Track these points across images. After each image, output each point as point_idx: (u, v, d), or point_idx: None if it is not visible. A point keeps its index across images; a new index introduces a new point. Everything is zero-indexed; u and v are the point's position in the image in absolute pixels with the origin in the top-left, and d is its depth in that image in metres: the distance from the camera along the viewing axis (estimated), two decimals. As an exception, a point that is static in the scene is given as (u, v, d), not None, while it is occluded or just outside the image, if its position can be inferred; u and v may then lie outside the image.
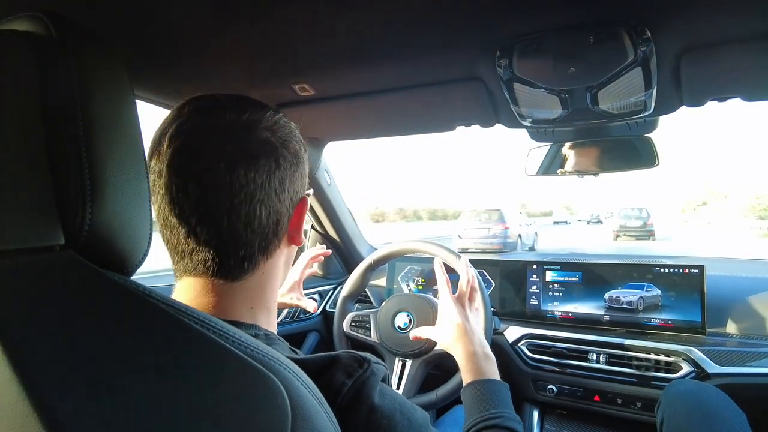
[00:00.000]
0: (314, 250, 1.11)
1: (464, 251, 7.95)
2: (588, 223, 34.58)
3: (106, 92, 0.37)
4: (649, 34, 0.68)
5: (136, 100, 0.42)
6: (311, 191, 0.59)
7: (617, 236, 18.09)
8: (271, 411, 0.33)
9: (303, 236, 0.54)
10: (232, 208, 0.44)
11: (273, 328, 0.52)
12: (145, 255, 0.41)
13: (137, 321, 0.34)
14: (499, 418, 0.67)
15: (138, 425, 0.30)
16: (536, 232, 13.87)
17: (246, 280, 0.48)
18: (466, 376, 0.77)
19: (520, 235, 11.83)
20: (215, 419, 0.32)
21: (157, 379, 0.32)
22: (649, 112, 0.93)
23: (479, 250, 10.59)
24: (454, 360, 1.06)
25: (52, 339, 0.31)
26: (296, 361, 0.43)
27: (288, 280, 1.03)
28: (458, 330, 0.84)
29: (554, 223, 33.56)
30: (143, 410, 0.30)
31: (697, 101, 0.88)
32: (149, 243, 0.41)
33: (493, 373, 0.77)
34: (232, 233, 0.45)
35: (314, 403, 0.37)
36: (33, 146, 0.33)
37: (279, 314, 1.40)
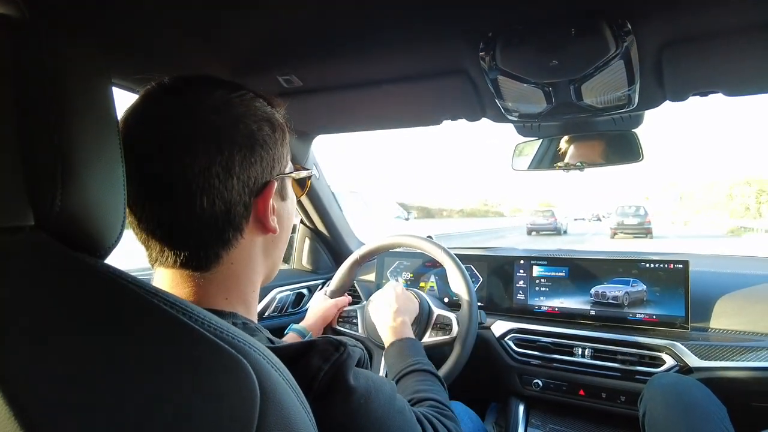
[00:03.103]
0: (341, 299, 1.18)
1: (531, 233, 21.62)
2: (588, 221, 43.56)
3: (80, 74, 0.37)
4: (630, 27, 0.68)
5: (120, 90, 0.42)
6: (302, 173, 0.56)
7: (615, 234, 18.21)
8: (239, 392, 0.33)
9: (273, 222, 0.50)
10: (169, 197, 0.43)
11: (253, 318, 0.51)
12: (119, 238, 0.41)
13: (107, 302, 0.34)
14: (417, 364, 0.80)
15: (103, 404, 0.30)
16: (567, 223, 25.10)
17: (215, 272, 0.47)
18: (387, 342, 0.91)
19: (561, 224, 22.22)
20: (180, 399, 0.31)
21: (124, 359, 0.31)
22: (634, 107, 0.94)
23: (541, 232, 21.37)
24: (440, 353, 1.07)
25: (19, 318, 0.31)
26: (272, 349, 0.42)
27: (319, 318, 1.11)
28: (387, 305, 0.97)
29: (574, 219, 44.80)
30: (109, 390, 0.30)
31: (679, 96, 0.89)
32: (123, 226, 0.41)
33: (409, 335, 0.93)
34: (175, 224, 0.44)
35: (285, 387, 0.37)
36: (4, 126, 0.33)
37: (268, 308, 1.40)
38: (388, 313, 0.96)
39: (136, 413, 0.30)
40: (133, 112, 0.45)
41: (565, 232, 22.66)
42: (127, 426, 0.29)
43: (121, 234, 0.41)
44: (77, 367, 0.30)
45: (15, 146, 0.33)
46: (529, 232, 21.71)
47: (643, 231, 17.68)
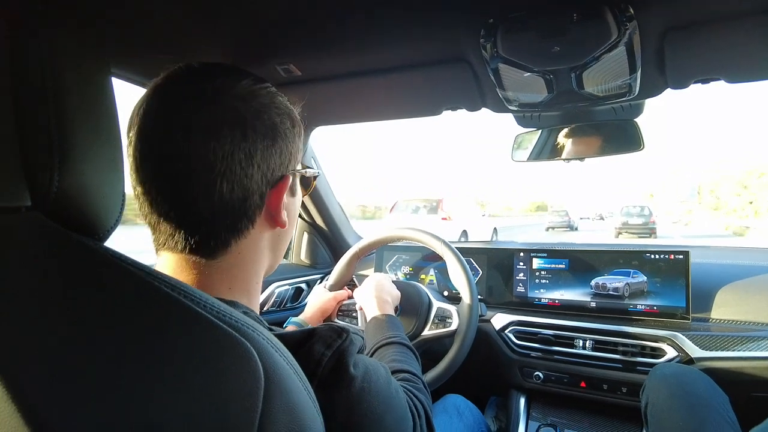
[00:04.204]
0: (341, 293, 1.16)
1: (549, 229, 24.51)
2: (592, 220, 45.45)
3: (78, 59, 0.37)
4: (632, 12, 0.68)
5: (118, 80, 0.42)
6: (309, 171, 0.57)
7: (619, 233, 18.29)
8: (243, 375, 0.32)
9: (284, 216, 0.51)
10: (189, 179, 0.43)
11: (255, 309, 0.51)
12: (118, 220, 0.41)
13: (106, 283, 0.33)
14: (394, 337, 0.82)
15: (104, 385, 0.29)
16: (576, 221, 27.64)
17: (222, 260, 0.47)
18: (369, 317, 0.94)
19: (573, 222, 25.30)
20: (183, 382, 0.31)
21: (124, 341, 0.31)
22: (635, 95, 0.93)
23: (557, 228, 23.75)
24: (440, 346, 1.06)
25: (16, 299, 0.31)
26: (275, 335, 0.42)
27: (318, 311, 1.10)
28: (371, 287, 1.00)
29: (580, 218, 46.50)
30: (110, 371, 0.30)
31: (681, 83, 0.88)
32: (122, 208, 0.41)
33: (389, 312, 0.96)
34: (190, 207, 0.44)
35: (290, 371, 0.37)
36: (1, 108, 0.33)
37: (267, 303, 1.39)
38: (371, 293, 0.99)
39: (139, 395, 0.30)
40: (156, 92, 0.45)
41: (576, 228, 25.59)
42: (129, 407, 0.29)
43: (120, 217, 0.41)
44: (76, 349, 0.30)
45: (11, 128, 0.33)
46: (547, 229, 24.15)
47: (648, 231, 17.69)
